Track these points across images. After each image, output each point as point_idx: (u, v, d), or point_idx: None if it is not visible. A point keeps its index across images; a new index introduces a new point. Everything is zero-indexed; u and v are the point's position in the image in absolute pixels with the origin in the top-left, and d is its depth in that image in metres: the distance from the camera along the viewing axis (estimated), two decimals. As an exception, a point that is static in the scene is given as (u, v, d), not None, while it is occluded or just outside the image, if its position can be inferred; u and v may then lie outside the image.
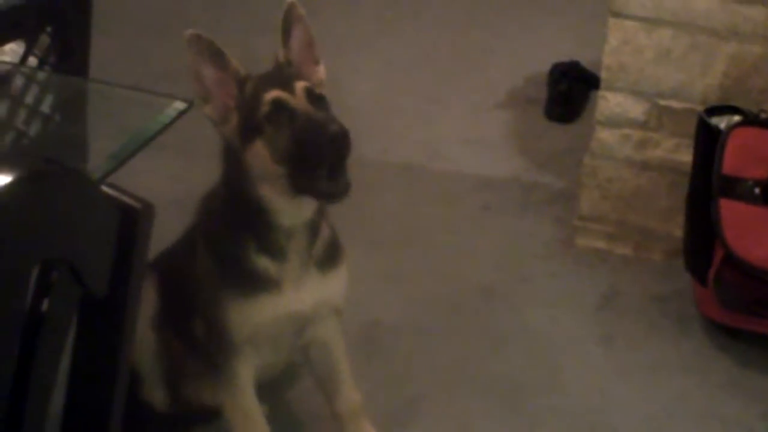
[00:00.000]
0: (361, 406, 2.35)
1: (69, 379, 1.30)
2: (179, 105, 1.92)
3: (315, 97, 1.97)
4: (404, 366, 2.71)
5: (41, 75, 2.39)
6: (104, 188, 1.17)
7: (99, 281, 1.19)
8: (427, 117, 3.81)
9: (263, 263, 2.06)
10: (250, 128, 1.95)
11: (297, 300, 2.10)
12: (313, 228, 2.08)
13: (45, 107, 2.22)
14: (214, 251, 2.12)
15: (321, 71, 2.06)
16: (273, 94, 1.94)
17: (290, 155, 1.92)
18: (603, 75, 2.98)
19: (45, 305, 1.14)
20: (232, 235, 2.07)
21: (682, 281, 2.92)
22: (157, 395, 2.34)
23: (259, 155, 1.95)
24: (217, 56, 1.96)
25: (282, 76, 2.00)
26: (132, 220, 1.18)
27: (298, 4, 2.03)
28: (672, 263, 3.00)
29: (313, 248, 2.09)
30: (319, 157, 1.90)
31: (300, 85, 1.96)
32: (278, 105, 1.93)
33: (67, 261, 1.14)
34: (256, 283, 2.07)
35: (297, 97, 1.94)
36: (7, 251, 1.04)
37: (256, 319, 2.10)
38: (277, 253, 2.06)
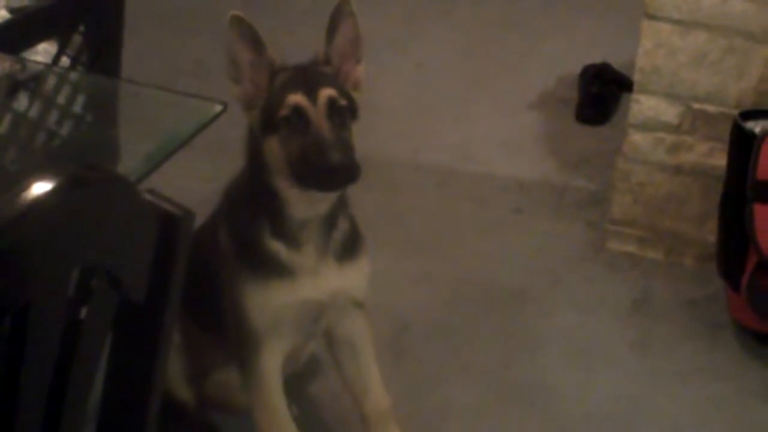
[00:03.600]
0: (391, 409, 2.33)
1: (104, 385, 1.29)
2: (216, 107, 1.92)
3: (336, 110, 1.97)
4: (434, 370, 2.69)
5: (73, 75, 2.39)
6: (145, 194, 1.17)
7: (137, 288, 1.18)
8: (457, 118, 3.79)
9: (277, 248, 2.06)
10: (268, 123, 1.98)
11: (312, 287, 2.10)
12: (329, 220, 2.08)
13: (77, 107, 2.22)
14: (232, 233, 2.13)
15: (360, 71, 2.06)
16: (295, 98, 1.95)
17: (297, 163, 1.95)
18: (636, 78, 2.95)
19: (83, 313, 1.14)
20: (249, 218, 2.08)
21: (715, 286, 2.90)
22: (181, 391, 2.34)
23: (273, 150, 1.98)
24: (255, 41, 1.98)
25: (312, 76, 2.00)
26: (171, 227, 1.18)
27: (350, 0, 2.00)
28: (704, 268, 2.98)
29: (330, 239, 2.09)
30: (318, 180, 1.96)
31: (324, 94, 1.96)
32: (297, 111, 1.95)
33: (106, 267, 1.13)
34: (270, 267, 2.08)
35: (318, 108, 1.95)
36: (48, 255, 1.03)
37: (271, 303, 2.10)
38: (290, 239, 2.06)
